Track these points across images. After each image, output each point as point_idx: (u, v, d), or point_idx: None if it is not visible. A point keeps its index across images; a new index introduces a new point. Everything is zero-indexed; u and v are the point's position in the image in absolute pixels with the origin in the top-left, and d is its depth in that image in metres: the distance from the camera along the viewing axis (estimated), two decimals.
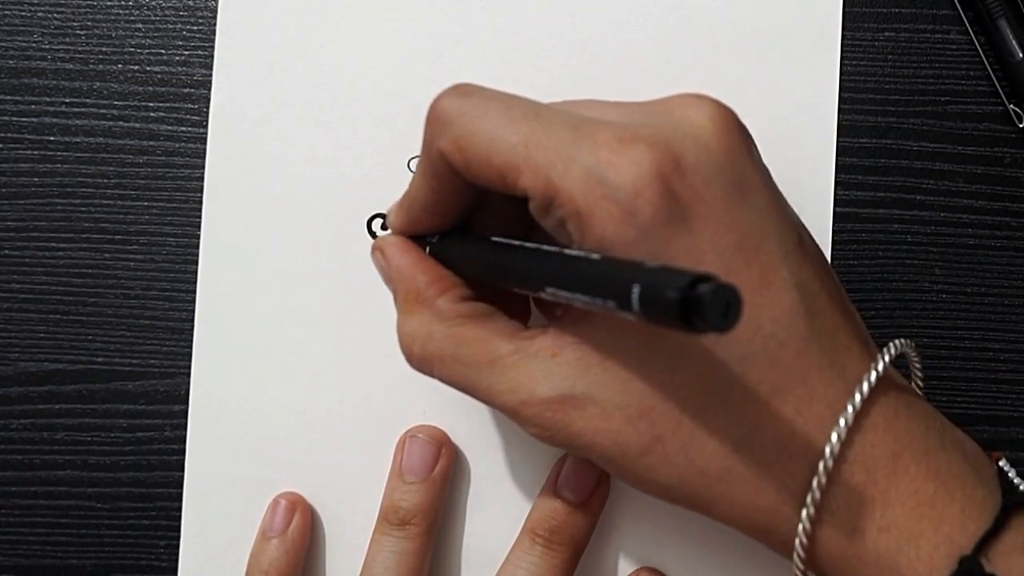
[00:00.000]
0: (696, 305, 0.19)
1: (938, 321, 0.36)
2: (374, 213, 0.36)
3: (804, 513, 0.25)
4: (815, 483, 0.25)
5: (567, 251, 0.25)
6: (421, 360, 0.28)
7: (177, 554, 0.36)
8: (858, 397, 0.25)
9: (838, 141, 0.36)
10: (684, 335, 0.25)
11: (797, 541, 0.26)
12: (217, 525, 0.36)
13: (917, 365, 0.30)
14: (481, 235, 0.29)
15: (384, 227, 0.36)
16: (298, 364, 0.36)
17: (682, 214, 0.24)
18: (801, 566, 0.26)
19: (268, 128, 0.36)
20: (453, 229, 0.30)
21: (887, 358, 0.26)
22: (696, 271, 0.20)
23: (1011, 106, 0.36)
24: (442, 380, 0.28)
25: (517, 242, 0.27)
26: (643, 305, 0.20)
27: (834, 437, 0.25)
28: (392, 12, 0.36)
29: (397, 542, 0.33)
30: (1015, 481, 0.27)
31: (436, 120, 0.27)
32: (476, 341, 0.27)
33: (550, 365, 0.26)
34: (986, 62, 0.36)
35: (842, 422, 0.25)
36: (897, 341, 0.27)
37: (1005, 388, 0.36)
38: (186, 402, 0.36)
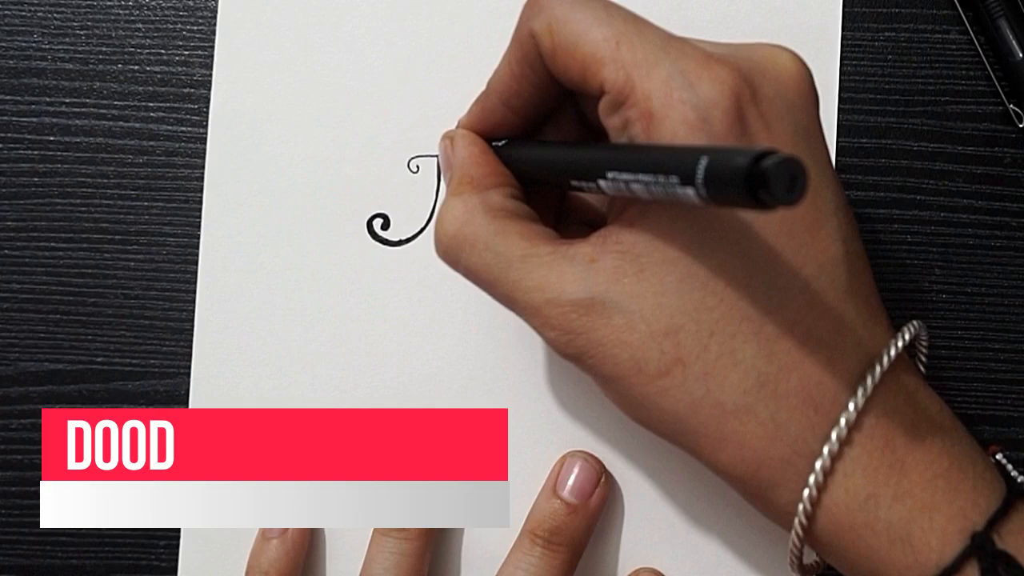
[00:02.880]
0: (762, 178, 0.19)
1: (938, 321, 0.36)
2: (374, 213, 0.36)
3: (819, 464, 0.25)
4: (835, 435, 0.25)
5: (632, 143, 0.25)
6: (452, 240, 0.28)
7: (177, 554, 0.36)
8: (886, 359, 0.25)
9: (838, 141, 0.36)
10: (738, 231, 0.24)
11: (806, 493, 0.25)
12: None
13: (924, 349, 0.30)
14: (545, 140, 0.30)
15: (384, 227, 0.36)
16: (298, 364, 0.36)
17: (749, 140, 0.25)
18: (804, 521, 0.25)
19: (268, 128, 0.36)
20: (520, 138, 0.30)
21: (909, 334, 0.26)
22: (760, 147, 0.20)
23: (1011, 106, 0.36)
24: (467, 270, 0.28)
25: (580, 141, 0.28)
26: (708, 178, 0.20)
27: (860, 392, 0.25)
28: (392, 12, 0.36)
29: (397, 543, 0.33)
30: (1013, 474, 0.28)
31: (535, 2, 0.27)
32: (515, 234, 0.27)
33: (586, 269, 0.26)
34: (986, 62, 0.36)
35: (869, 380, 0.25)
36: (915, 323, 0.27)
37: (1005, 388, 0.36)
38: (186, 402, 0.36)
